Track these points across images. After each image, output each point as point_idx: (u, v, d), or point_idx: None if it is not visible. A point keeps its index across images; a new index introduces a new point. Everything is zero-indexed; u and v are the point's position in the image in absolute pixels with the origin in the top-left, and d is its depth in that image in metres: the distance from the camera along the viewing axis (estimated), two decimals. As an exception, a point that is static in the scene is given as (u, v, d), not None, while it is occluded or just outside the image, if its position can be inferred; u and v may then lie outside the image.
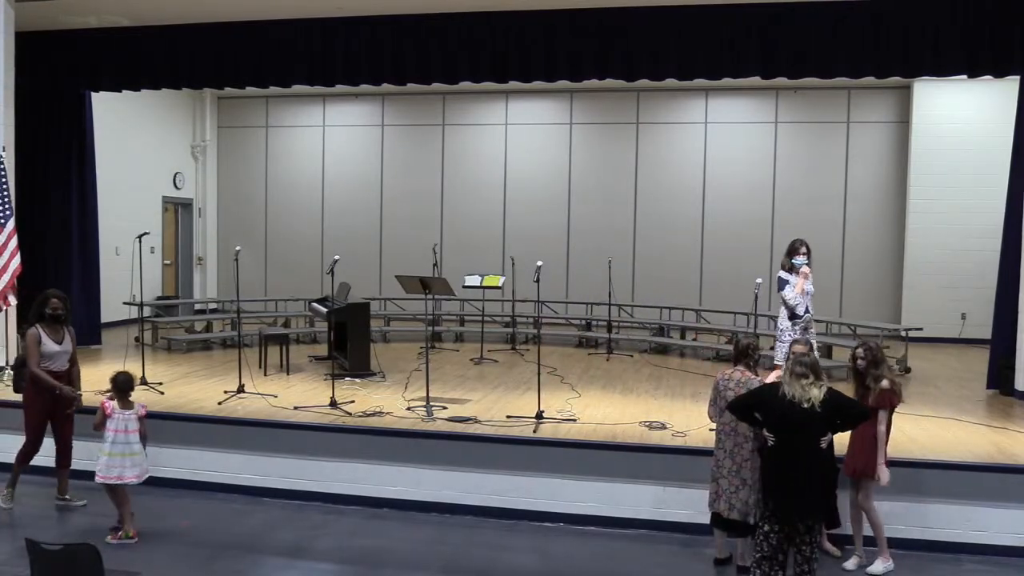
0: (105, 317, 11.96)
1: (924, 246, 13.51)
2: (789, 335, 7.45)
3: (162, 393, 8.43)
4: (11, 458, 6.67)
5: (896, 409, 5.83)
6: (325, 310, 10.28)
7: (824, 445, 4.97)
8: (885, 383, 5.67)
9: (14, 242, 9.05)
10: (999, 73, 9.18)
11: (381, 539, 6.30)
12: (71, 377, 6.58)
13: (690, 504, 6.35)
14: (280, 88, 11.20)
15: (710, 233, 14.61)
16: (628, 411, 8.00)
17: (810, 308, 7.63)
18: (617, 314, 13.25)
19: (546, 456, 6.76)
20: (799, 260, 7.61)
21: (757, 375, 5.81)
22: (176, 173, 15.69)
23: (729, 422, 5.57)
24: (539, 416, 7.47)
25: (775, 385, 5.07)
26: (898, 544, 6.05)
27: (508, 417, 7.58)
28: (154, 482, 6.51)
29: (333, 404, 7.89)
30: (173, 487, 7.09)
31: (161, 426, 6.93)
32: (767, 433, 5.00)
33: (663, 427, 7.30)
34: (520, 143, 15.28)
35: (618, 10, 9.44)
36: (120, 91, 11.60)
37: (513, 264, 12.93)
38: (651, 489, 6.52)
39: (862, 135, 14.21)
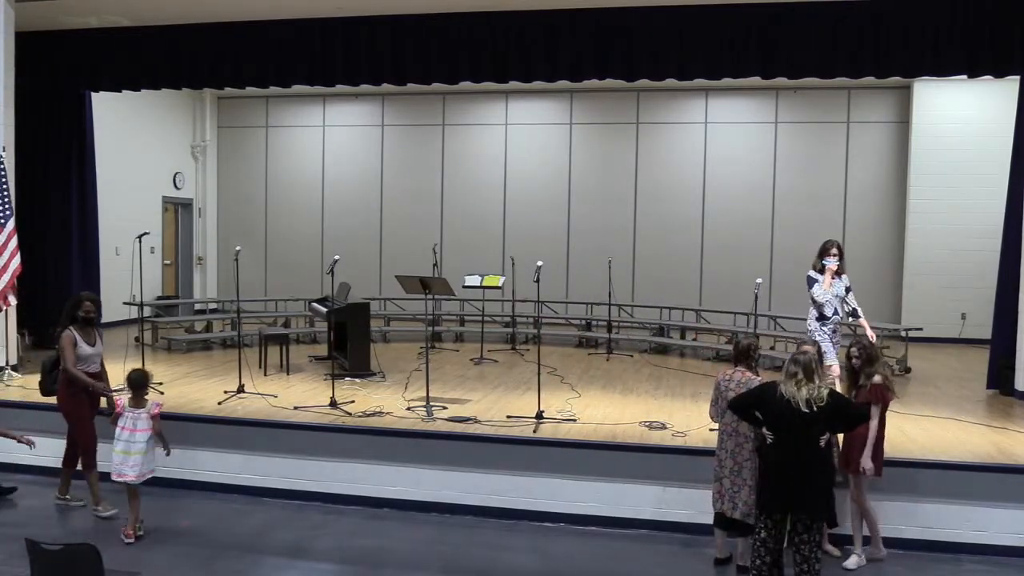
0: (105, 317, 11.83)
1: (924, 246, 13.52)
2: (818, 336, 7.41)
3: (162, 393, 8.42)
4: (12, 459, 6.66)
5: (891, 407, 5.85)
6: (325, 310, 10.28)
7: (823, 444, 4.98)
8: (877, 378, 5.72)
9: (14, 242, 9.05)
10: (999, 73, 9.18)
11: (381, 539, 6.30)
12: (102, 379, 6.62)
13: (690, 504, 6.35)
14: (280, 88, 11.18)
15: (710, 233, 14.61)
16: (628, 411, 8.00)
17: (839, 310, 7.57)
18: (617, 314, 13.25)
19: (546, 456, 6.76)
20: (829, 261, 7.56)
21: (758, 375, 5.82)
22: (176, 173, 15.69)
23: (730, 423, 5.57)
24: (539, 416, 7.47)
25: (773, 384, 5.08)
26: (898, 544, 6.06)
27: (508, 417, 7.58)
28: (154, 482, 6.50)
29: (333, 404, 7.89)
30: (173, 487, 7.07)
31: (161, 426, 6.91)
32: (766, 431, 5.01)
33: (663, 427, 7.30)
34: (520, 143, 15.28)
35: (618, 10, 9.44)
36: (120, 91, 11.60)
37: (513, 264, 12.93)
38: (651, 489, 6.52)
39: (862, 135, 14.22)
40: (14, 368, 9.26)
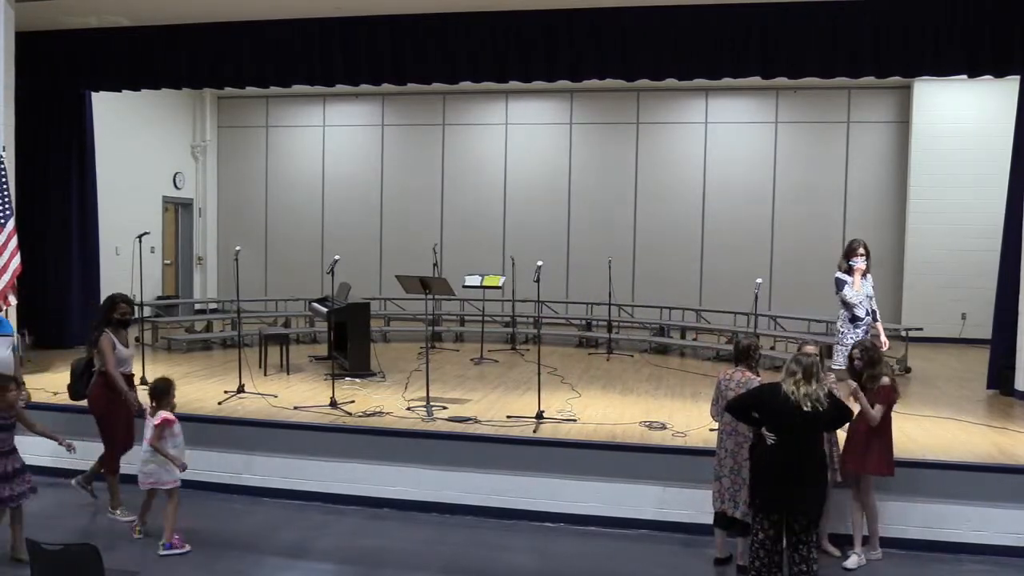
0: (105, 317, 11.93)
1: (924, 246, 13.52)
2: (851, 338, 7.33)
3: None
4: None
5: (894, 407, 5.86)
6: (325, 310, 10.28)
7: (823, 444, 4.99)
8: (886, 380, 5.77)
9: (14, 242, 9.04)
10: (999, 73, 9.18)
11: (381, 539, 6.30)
12: (132, 383, 6.62)
13: (690, 504, 6.35)
14: (280, 88, 11.20)
15: (710, 233, 14.61)
16: (628, 411, 8.00)
17: (870, 311, 7.50)
18: (617, 314, 13.25)
19: (546, 456, 6.76)
20: (857, 261, 7.45)
21: (758, 375, 5.82)
22: (176, 173, 15.68)
23: (730, 422, 5.58)
24: (539, 416, 7.47)
25: (775, 385, 5.07)
26: (898, 544, 6.06)
27: (508, 417, 7.58)
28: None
29: (333, 404, 7.89)
30: (173, 487, 7.08)
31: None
32: (766, 432, 5.00)
33: (663, 427, 7.30)
34: (520, 143, 15.28)
35: (618, 10, 9.44)
36: (120, 91, 11.60)
37: (513, 264, 12.92)
38: (651, 489, 6.52)
39: (862, 135, 14.22)
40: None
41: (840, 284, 7.50)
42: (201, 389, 8.73)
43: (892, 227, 14.05)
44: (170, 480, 5.91)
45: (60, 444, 5.83)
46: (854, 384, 5.82)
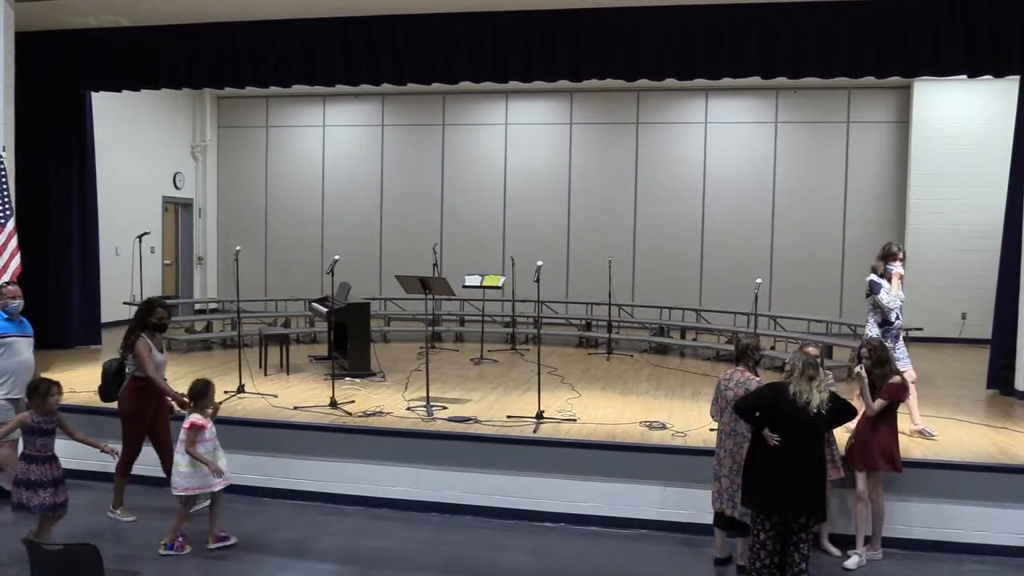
0: (105, 317, 11.95)
1: (924, 246, 13.50)
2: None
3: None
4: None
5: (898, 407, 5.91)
6: (325, 310, 10.28)
7: (824, 444, 4.99)
8: (897, 379, 5.84)
9: (14, 242, 9.04)
10: (999, 73, 9.18)
11: (382, 539, 6.30)
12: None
13: (690, 504, 6.35)
14: (280, 88, 11.19)
15: (710, 233, 14.61)
16: (628, 411, 8.00)
17: (900, 315, 7.37)
18: (617, 314, 13.25)
19: (546, 456, 6.76)
20: (896, 266, 7.27)
21: (758, 375, 5.82)
22: (176, 173, 15.68)
23: (729, 422, 5.58)
24: (539, 416, 7.47)
25: (781, 386, 5.06)
26: (900, 544, 6.06)
27: (508, 417, 7.58)
28: (155, 482, 6.51)
29: (333, 404, 7.89)
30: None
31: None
32: (769, 433, 4.99)
33: (663, 427, 7.30)
34: (520, 143, 15.28)
35: (618, 10, 9.44)
36: (120, 91, 11.60)
37: (513, 264, 12.92)
38: (651, 489, 6.52)
39: (862, 135, 14.21)
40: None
41: (876, 287, 7.24)
42: (201, 389, 8.72)
43: (892, 227, 14.03)
44: (205, 486, 5.82)
45: (103, 451, 5.76)
46: (862, 372, 5.85)
